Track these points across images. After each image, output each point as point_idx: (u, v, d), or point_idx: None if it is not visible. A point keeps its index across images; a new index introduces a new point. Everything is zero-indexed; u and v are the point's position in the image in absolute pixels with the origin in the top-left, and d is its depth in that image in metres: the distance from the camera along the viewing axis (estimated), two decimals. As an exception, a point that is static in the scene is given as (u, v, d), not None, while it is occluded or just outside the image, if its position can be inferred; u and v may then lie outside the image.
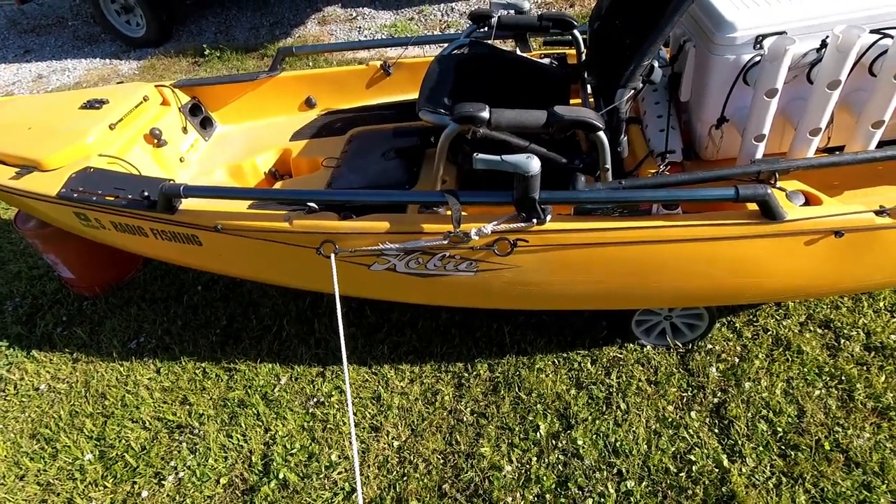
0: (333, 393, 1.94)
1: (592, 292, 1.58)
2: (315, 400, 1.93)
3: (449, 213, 1.38)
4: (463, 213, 1.39)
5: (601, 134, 1.37)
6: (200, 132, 2.33)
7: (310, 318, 2.23)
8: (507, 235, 1.40)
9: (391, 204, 1.55)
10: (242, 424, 1.88)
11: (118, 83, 4.76)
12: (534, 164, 1.25)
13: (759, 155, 1.44)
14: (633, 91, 1.35)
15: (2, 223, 3.07)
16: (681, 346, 1.85)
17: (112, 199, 1.66)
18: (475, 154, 1.27)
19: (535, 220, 1.37)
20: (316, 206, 1.57)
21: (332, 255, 1.44)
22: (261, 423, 1.88)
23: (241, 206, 1.64)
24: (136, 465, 1.82)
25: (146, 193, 1.62)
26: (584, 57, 2.02)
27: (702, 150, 1.60)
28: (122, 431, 1.94)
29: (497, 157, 1.26)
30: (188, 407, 1.99)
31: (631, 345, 1.90)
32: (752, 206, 1.33)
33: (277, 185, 2.02)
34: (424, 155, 2.00)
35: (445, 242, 1.39)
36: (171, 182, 1.60)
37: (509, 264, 1.46)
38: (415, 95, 2.44)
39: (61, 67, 5.22)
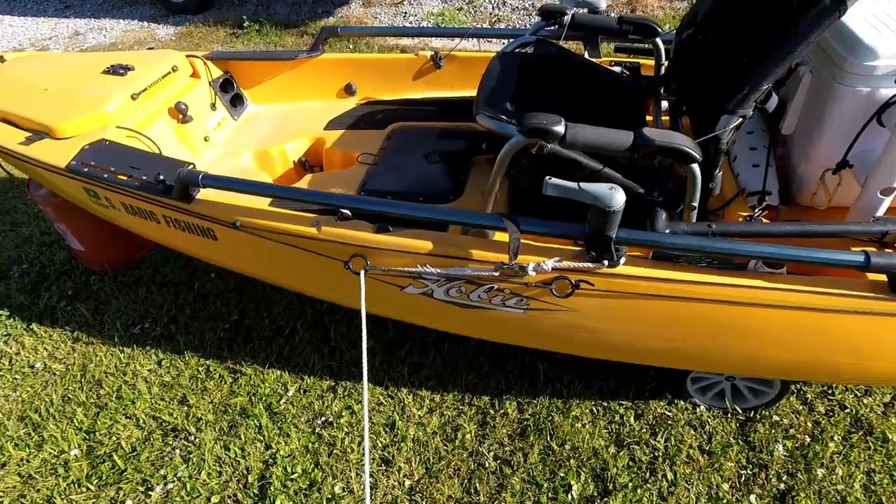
0: (344, 413, 1.76)
1: (659, 349, 1.36)
2: (323, 419, 1.75)
3: (497, 236, 1.18)
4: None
5: (695, 166, 1.15)
6: (230, 110, 2.16)
7: (326, 324, 2.05)
8: (569, 275, 1.19)
9: (433, 221, 1.35)
10: (242, 437, 1.72)
11: (149, 48, 4.64)
12: (618, 198, 1.04)
13: (881, 211, 1.20)
14: (741, 119, 1.12)
15: (19, 182, 2.96)
16: (741, 412, 1.62)
17: (125, 178, 1.49)
18: (547, 178, 1.06)
19: (605, 262, 1.15)
20: (349, 213, 1.39)
21: (362, 272, 1.25)
22: (262, 438, 1.71)
23: (263, 201, 1.46)
24: (125, 467, 1.67)
25: (162, 177, 1.45)
26: (662, 69, 1.78)
27: (803, 195, 1.37)
28: (114, 427, 1.79)
29: (573, 185, 1.05)
30: (186, 408, 1.83)
31: (682, 402, 1.68)
32: (875, 276, 1.10)
33: (307, 178, 1.83)
34: (472, 162, 1.80)
35: (496, 274, 1.18)
36: (190, 167, 1.42)
37: (566, 307, 1.25)
38: (465, 93, 2.24)
39: (99, 26, 5.12)
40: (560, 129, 1.13)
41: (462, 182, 1.71)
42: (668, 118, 1.88)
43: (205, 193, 1.45)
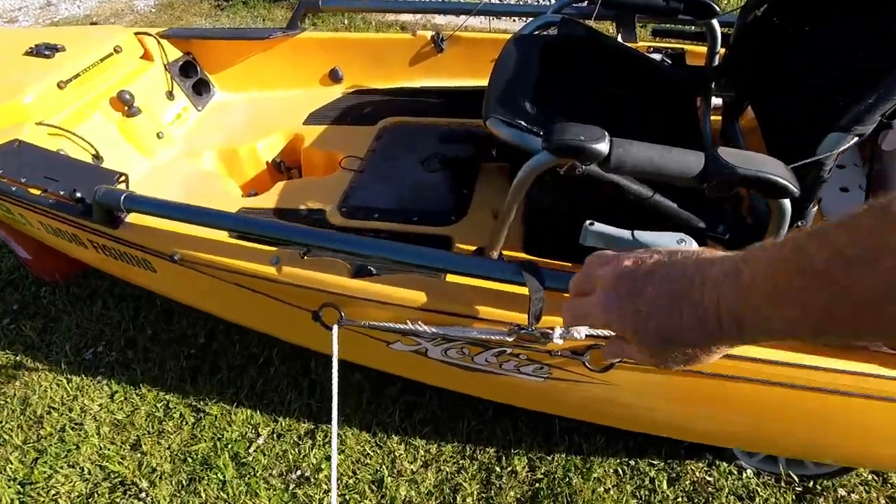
0: (324, 465, 1.49)
1: (715, 431, 1.09)
2: (299, 473, 1.48)
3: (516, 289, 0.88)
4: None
5: (786, 200, 0.85)
6: (192, 99, 1.83)
7: (305, 355, 1.77)
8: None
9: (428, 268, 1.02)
10: (203, 494, 1.45)
11: (92, 23, 4.23)
12: None
13: None
14: (856, 138, 0.82)
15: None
16: (797, 480, 1.36)
17: (37, 192, 1.19)
18: (588, 224, 0.76)
19: None
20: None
21: (335, 327, 0.96)
22: (226, 497, 1.45)
23: (227, 201, 1.14)
24: (62, 531, 1.41)
25: (78, 194, 1.14)
26: (716, 59, 1.46)
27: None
28: (54, 478, 1.52)
29: (624, 234, 0.75)
30: (140, 455, 1.56)
31: (725, 464, 1.41)
32: None
33: (279, 186, 1.53)
34: (479, 171, 1.49)
35: (510, 339, 0.89)
36: (119, 180, 1.12)
37: (602, 380, 0.97)
38: (472, 82, 1.91)
39: (71, -5, 4.71)
40: (603, 147, 0.83)
41: (466, 196, 1.41)
42: (717, 118, 1.56)
43: (136, 217, 1.14)
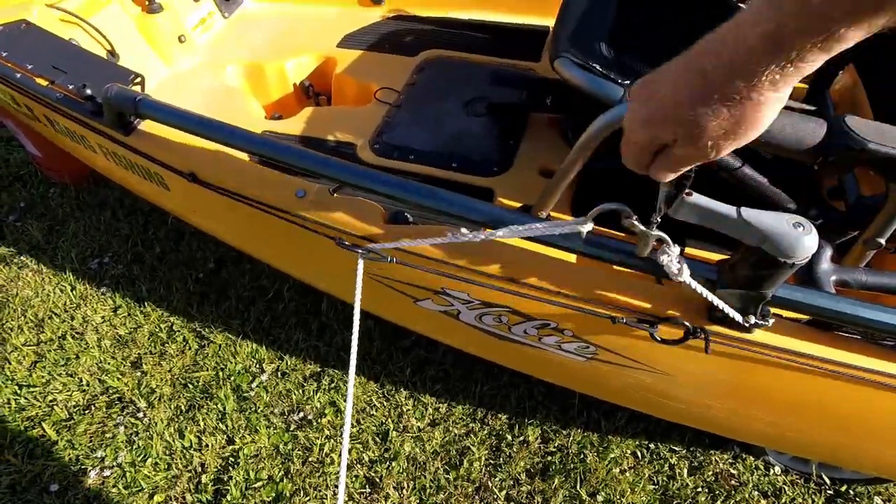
0: (327, 411, 1.43)
1: (778, 435, 0.99)
2: (301, 415, 1.43)
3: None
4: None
5: (909, 187, 0.70)
6: (220, 4, 1.65)
7: (318, 293, 1.68)
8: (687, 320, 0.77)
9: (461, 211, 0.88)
10: (201, 423, 1.41)
11: None
12: (807, 244, 0.60)
13: None
14: None
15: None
16: (828, 482, 1.28)
17: (44, 82, 1.05)
18: (685, 194, 0.62)
19: (750, 323, 0.72)
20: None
21: (360, 261, 0.84)
22: (224, 429, 1.40)
23: (250, 120, 1.00)
24: (56, 439, 1.38)
25: (88, 91, 1.00)
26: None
27: None
28: (51, 384, 1.48)
29: (728, 210, 0.62)
30: (140, 374, 1.51)
31: (752, 458, 1.33)
32: None
33: (307, 111, 1.38)
34: (528, 121, 1.33)
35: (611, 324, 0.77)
36: (135, 80, 0.97)
37: (652, 368, 0.85)
38: (530, 19, 1.71)
39: None
40: None
41: (512, 147, 1.25)
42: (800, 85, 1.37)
43: (151, 125, 1.01)
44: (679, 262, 0.66)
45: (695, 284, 0.67)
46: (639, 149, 0.47)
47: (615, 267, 0.79)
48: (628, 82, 0.85)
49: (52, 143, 1.94)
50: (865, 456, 1.01)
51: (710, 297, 0.68)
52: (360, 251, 0.83)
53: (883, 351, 0.76)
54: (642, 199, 0.94)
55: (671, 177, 0.49)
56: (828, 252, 0.82)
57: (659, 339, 0.79)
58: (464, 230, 0.74)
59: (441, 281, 0.81)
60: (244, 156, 1.01)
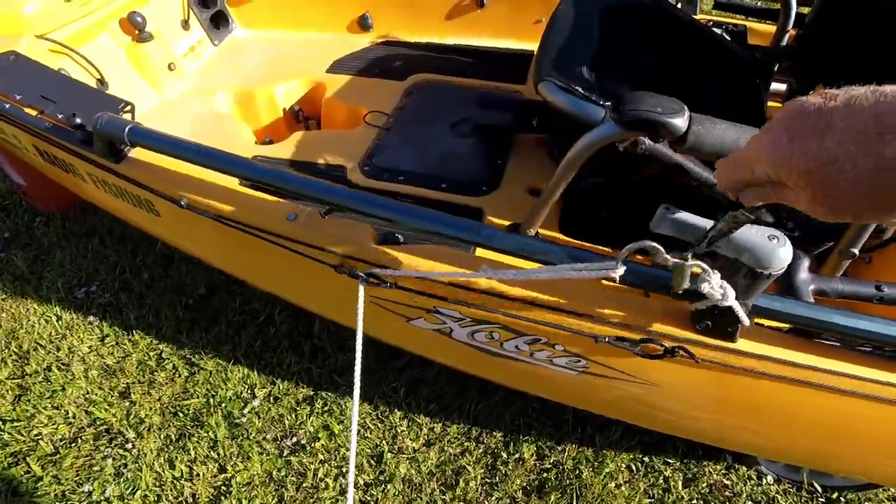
0: (321, 435, 1.42)
1: (764, 445, 1.01)
2: (294, 440, 1.41)
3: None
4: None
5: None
6: (209, 32, 1.69)
7: (310, 315, 1.68)
8: (664, 339, 0.79)
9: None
10: (192, 452, 1.38)
11: None
12: (782, 256, 0.64)
13: None
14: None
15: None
16: (820, 491, 1.29)
17: (33, 112, 1.06)
18: (663, 209, 0.66)
19: (733, 330, 0.75)
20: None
21: (361, 286, 0.86)
22: (216, 457, 1.38)
23: (242, 146, 1.03)
24: (41, 475, 1.34)
25: (78, 120, 1.02)
26: (785, 39, 1.33)
27: None
28: (36, 418, 1.45)
29: (707, 224, 0.65)
30: (128, 404, 1.48)
31: (744, 469, 1.35)
32: None
33: (297, 135, 1.40)
34: (514, 141, 1.37)
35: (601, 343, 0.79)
36: (125, 109, 0.99)
37: (643, 380, 0.88)
38: (513, 43, 1.77)
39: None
40: (681, 123, 0.71)
41: (500, 167, 1.29)
42: (776, 105, 1.44)
43: (141, 153, 1.02)
44: (722, 288, 0.65)
45: (737, 306, 0.67)
46: (746, 169, 0.40)
47: (603, 282, 0.82)
48: (609, 104, 0.89)
49: (37, 171, 1.94)
50: (849, 461, 1.03)
51: (742, 315, 0.68)
52: (361, 276, 0.85)
53: (861, 357, 0.79)
54: (626, 213, 0.97)
55: (758, 203, 0.43)
56: (805, 263, 0.85)
57: (643, 354, 0.81)
58: (486, 267, 0.75)
59: (433, 301, 0.83)
60: (234, 181, 1.03)
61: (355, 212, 0.86)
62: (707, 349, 0.76)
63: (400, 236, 0.89)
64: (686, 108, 0.71)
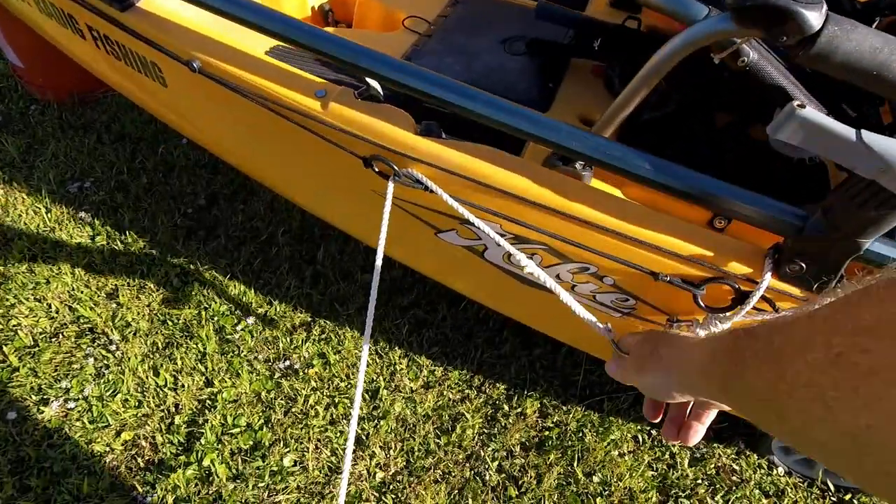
0: (315, 362, 1.34)
1: None
2: (287, 363, 1.33)
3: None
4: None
5: None
6: None
7: (315, 240, 1.57)
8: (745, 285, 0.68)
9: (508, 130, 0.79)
10: (179, 362, 1.30)
11: None
12: None
13: None
14: None
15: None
16: (832, 489, 1.23)
17: None
18: (794, 106, 0.53)
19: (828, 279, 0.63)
20: (379, 89, 0.84)
21: (391, 182, 0.74)
22: (203, 370, 1.30)
23: (244, 37, 0.88)
24: (18, 365, 1.26)
25: None
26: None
27: None
28: (16, 308, 1.36)
29: (847, 131, 0.52)
30: (115, 306, 1.40)
31: (755, 457, 1.28)
32: None
33: (329, 31, 1.25)
34: (569, 65, 1.22)
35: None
36: None
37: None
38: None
39: None
40: (816, 19, 0.57)
41: (551, 91, 1.15)
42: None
43: (153, 4, 0.88)
44: None
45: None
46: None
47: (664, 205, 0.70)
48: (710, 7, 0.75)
49: (36, 52, 1.78)
50: None
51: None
52: (395, 170, 0.73)
53: None
54: (695, 155, 0.84)
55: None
56: None
57: (703, 305, 0.70)
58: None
59: (472, 209, 0.71)
60: (258, 49, 0.89)
61: (405, 89, 0.73)
62: (792, 300, 0.65)
63: (443, 132, 0.77)
64: (824, 3, 0.57)
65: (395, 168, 0.73)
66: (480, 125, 0.74)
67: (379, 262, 0.69)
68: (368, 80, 0.82)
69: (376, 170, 0.77)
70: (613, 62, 1.16)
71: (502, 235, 0.74)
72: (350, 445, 0.72)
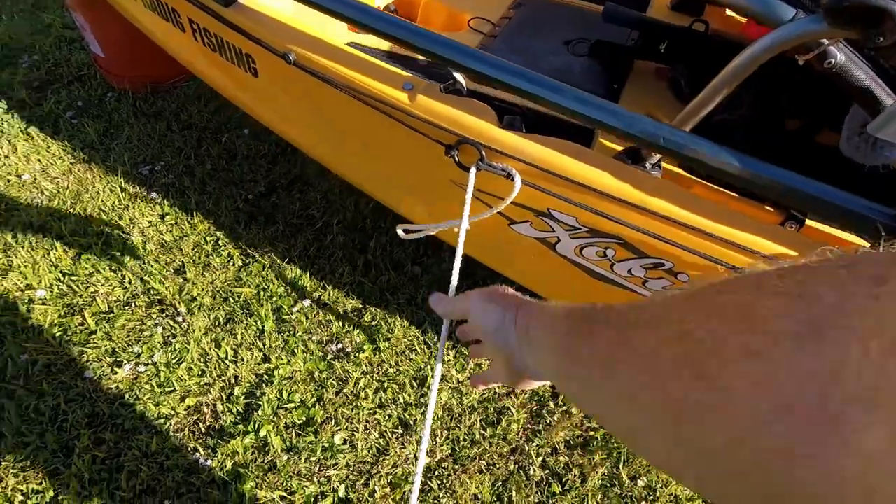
0: (366, 347, 1.38)
1: None
2: (339, 346, 1.38)
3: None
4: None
5: None
6: None
7: (367, 230, 1.63)
8: None
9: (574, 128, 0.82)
10: (239, 336, 1.37)
11: None
12: None
13: None
14: None
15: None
16: None
17: None
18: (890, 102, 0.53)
19: None
20: (464, 84, 0.88)
21: (473, 168, 0.78)
22: (261, 347, 1.36)
23: (333, 33, 0.94)
24: (95, 328, 1.35)
25: None
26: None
27: None
28: (95, 276, 1.46)
29: None
30: (182, 281, 1.48)
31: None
32: None
33: None
34: (632, 67, 1.24)
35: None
36: None
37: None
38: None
39: None
40: None
41: (615, 92, 1.17)
42: None
43: (253, 1, 0.95)
44: None
45: None
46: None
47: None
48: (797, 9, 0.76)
49: (118, 45, 1.91)
50: None
51: None
52: (480, 157, 0.76)
53: None
54: (767, 160, 0.84)
55: None
56: None
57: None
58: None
59: (548, 200, 0.74)
60: (344, 46, 0.95)
61: (492, 81, 0.77)
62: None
63: (523, 126, 0.80)
64: None
65: (483, 153, 0.76)
66: (551, 123, 0.77)
67: (460, 249, 0.72)
68: (455, 74, 0.86)
69: (457, 159, 0.80)
70: (679, 65, 1.17)
71: (577, 228, 0.76)
72: (421, 459, 0.75)
